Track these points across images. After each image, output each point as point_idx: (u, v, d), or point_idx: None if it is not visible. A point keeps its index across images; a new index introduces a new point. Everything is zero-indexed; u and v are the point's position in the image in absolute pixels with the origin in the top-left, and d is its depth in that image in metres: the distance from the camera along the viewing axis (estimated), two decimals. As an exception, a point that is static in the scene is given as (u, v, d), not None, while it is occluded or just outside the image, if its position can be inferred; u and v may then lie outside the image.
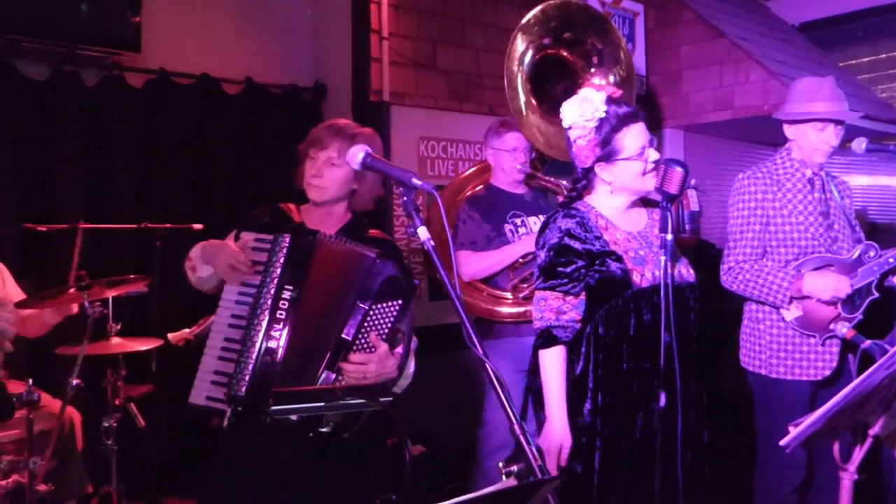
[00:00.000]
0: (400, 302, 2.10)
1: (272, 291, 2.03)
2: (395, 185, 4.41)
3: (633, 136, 2.25)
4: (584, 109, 2.26)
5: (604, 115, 2.24)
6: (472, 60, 4.86)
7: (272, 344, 1.99)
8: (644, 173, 2.26)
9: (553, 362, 2.25)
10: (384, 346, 2.06)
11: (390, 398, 1.43)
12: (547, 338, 2.25)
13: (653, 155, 2.26)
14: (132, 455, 3.50)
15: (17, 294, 3.13)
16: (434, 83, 4.69)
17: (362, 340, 2.06)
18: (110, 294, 3.10)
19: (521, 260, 3.21)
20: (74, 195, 3.80)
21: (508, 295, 3.26)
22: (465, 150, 4.76)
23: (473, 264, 3.22)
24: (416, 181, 1.69)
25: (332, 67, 4.61)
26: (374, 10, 4.38)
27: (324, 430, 1.97)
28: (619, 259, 2.24)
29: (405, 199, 1.71)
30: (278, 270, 2.04)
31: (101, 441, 3.24)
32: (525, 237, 3.24)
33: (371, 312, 2.07)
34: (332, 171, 2.16)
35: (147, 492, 3.68)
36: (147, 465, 3.70)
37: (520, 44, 3.32)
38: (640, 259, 2.27)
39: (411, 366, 2.20)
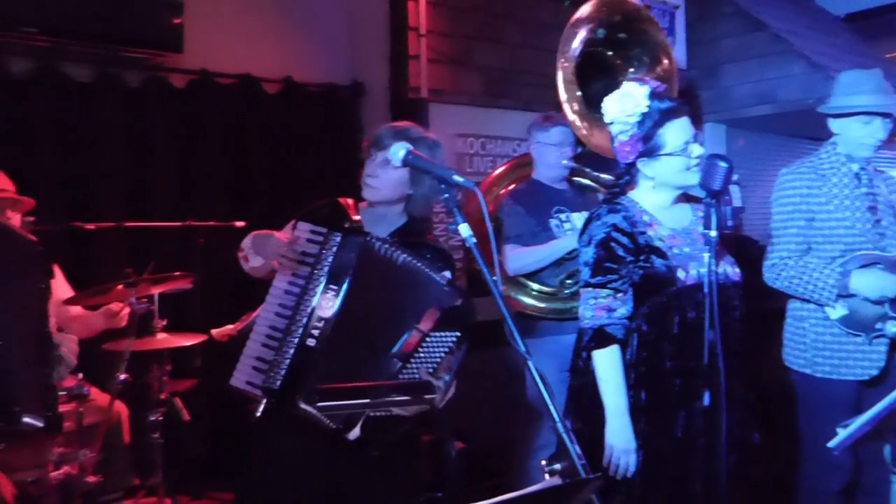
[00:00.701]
0: (456, 336, 2.07)
1: (317, 289, 2.04)
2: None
3: (677, 131, 2.22)
4: (625, 104, 2.24)
5: (646, 109, 2.21)
6: (508, 56, 4.85)
7: (311, 342, 2.00)
8: (688, 169, 2.22)
9: (611, 362, 2.20)
10: (426, 379, 2.02)
11: (435, 396, 1.44)
12: (601, 337, 2.21)
13: (696, 150, 2.22)
14: (176, 448, 3.57)
15: (65, 291, 3.21)
16: (471, 80, 4.69)
17: (413, 369, 2.01)
18: (155, 291, 3.17)
19: (566, 255, 3.19)
20: (119, 194, 3.87)
21: (554, 291, 3.25)
22: (504, 146, 4.75)
23: (519, 259, 3.20)
24: (457, 178, 1.69)
25: (370, 66, 4.63)
26: (411, 8, 4.39)
27: (352, 436, 1.96)
28: (663, 255, 2.21)
29: (447, 195, 1.70)
30: (326, 269, 2.05)
31: (147, 434, 3.30)
32: (571, 233, 3.22)
33: (428, 340, 2.03)
34: (388, 172, 2.14)
35: (190, 484, 3.75)
36: (191, 458, 3.77)
37: (573, 38, 3.30)
38: (684, 256, 2.23)
39: (451, 391, 2.11)
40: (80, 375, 2.81)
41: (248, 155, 4.31)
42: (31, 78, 3.66)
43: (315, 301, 2.03)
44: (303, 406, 1.95)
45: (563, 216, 3.28)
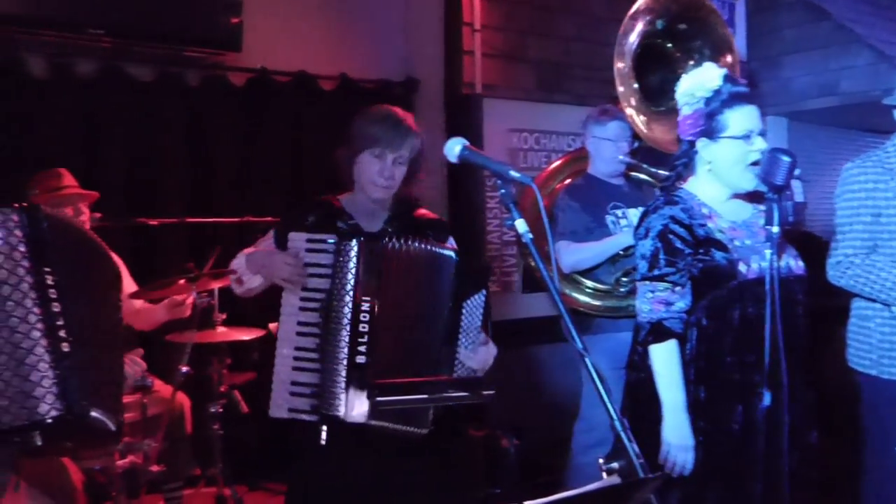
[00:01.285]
0: (484, 291, 2.07)
1: (349, 304, 1.96)
2: (488, 178, 4.43)
3: (742, 117, 2.16)
4: (699, 79, 2.20)
5: (717, 87, 2.17)
6: (562, 50, 4.82)
7: (360, 359, 1.94)
8: (747, 162, 2.16)
9: (668, 357, 2.16)
10: (483, 336, 2.06)
11: (493, 391, 1.44)
12: (659, 331, 2.16)
13: (759, 143, 2.16)
14: (235, 440, 3.65)
15: (129, 286, 3.30)
16: (524, 74, 4.67)
17: (464, 339, 2.04)
18: (215, 285, 3.24)
19: (621, 252, 3.15)
20: (181, 190, 3.97)
21: (609, 289, 3.21)
22: (558, 141, 4.72)
23: (573, 255, 3.16)
24: (513, 173, 1.68)
25: (424, 61, 4.65)
26: (465, 3, 4.39)
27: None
28: (723, 248, 2.16)
29: (503, 191, 1.68)
30: (350, 282, 1.96)
31: (207, 426, 3.38)
32: (627, 229, 3.17)
33: (465, 311, 2.05)
34: (400, 169, 2.12)
35: (249, 475, 3.83)
36: (249, 449, 3.85)
37: (631, 31, 3.25)
38: (745, 249, 2.18)
39: (494, 350, 2.15)
40: (144, 367, 2.90)
41: (305, 151, 4.37)
42: (96, 78, 3.78)
43: (350, 316, 1.95)
44: (374, 423, 1.93)
45: (619, 212, 3.23)
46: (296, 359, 1.97)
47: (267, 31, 4.21)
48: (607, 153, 3.26)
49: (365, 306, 1.96)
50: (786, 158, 2.07)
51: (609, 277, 3.19)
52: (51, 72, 3.67)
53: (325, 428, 1.95)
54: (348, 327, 1.95)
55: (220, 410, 3.36)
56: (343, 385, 1.93)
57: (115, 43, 3.74)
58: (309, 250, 2.01)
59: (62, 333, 1.57)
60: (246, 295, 2.17)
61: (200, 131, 4.05)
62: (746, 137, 2.16)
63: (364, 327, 1.95)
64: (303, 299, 2.00)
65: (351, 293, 1.96)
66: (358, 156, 2.12)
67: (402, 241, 2.03)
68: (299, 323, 1.99)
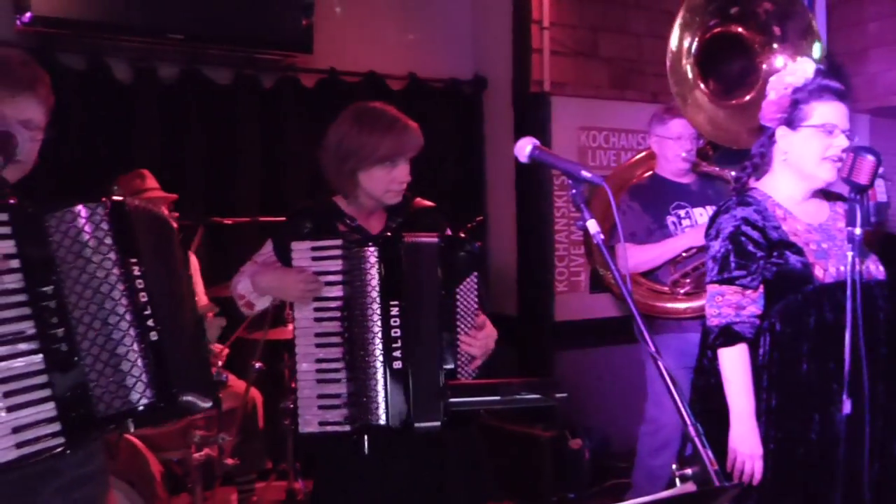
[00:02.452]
0: (476, 273, 2.05)
1: (377, 310, 1.94)
2: (556, 177, 4.40)
3: (828, 111, 2.08)
4: (791, 69, 2.15)
5: (808, 78, 2.11)
6: (633, 47, 4.74)
7: (397, 365, 1.93)
8: (824, 155, 2.08)
9: (736, 362, 2.10)
10: (482, 318, 2.03)
11: (565, 394, 1.42)
12: (728, 335, 2.10)
13: (841, 140, 2.08)
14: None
15: (199, 289, 3.42)
16: (595, 71, 4.61)
17: (462, 324, 2.02)
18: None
19: (683, 254, 3.09)
20: (253, 191, 4.07)
21: (667, 290, 3.15)
22: (628, 139, 4.65)
23: (632, 257, 3.12)
24: (584, 173, 1.66)
25: (492, 60, 4.64)
26: (534, 1, 4.37)
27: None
28: (799, 252, 2.09)
29: (574, 191, 1.66)
30: (374, 287, 1.95)
31: (279, 421, 3.45)
32: (689, 230, 3.11)
33: (460, 296, 2.02)
34: (408, 178, 2.08)
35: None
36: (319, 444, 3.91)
37: (680, 27, 3.18)
38: (822, 252, 2.10)
39: (494, 333, 2.11)
40: (220, 363, 2.98)
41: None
42: (176, 81, 3.91)
43: (381, 322, 1.94)
44: (420, 426, 1.92)
45: (682, 213, 3.17)
46: (319, 371, 1.95)
47: (337, 32, 4.27)
48: (670, 152, 3.20)
49: (394, 311, 1.94)
50: (870, 157, 1.99)
51: (667, 278, 3.14)
52: (134, 76, 3.81)
53: (366, 438, 1.94)
54: (380, 333, 1.93)
55: (291, 406, 3.42)
56: (384, 393, 1.91)
57: (194, 47, 3.86)
58: (315, 258, 1.98)
59: (150, 322, 1.62)
60: (253, 314, 2.16)
61: (274, 132, 4.15)
62: (829, 131, 2.08)
63: (396, 332, 1.94)
64: (317, 310, 1.97)
65: (378, 299, 1.93)
66: (368, 170, 2.05)
67: (411, 240, 2.01)
68: (317, 335, 1.96)
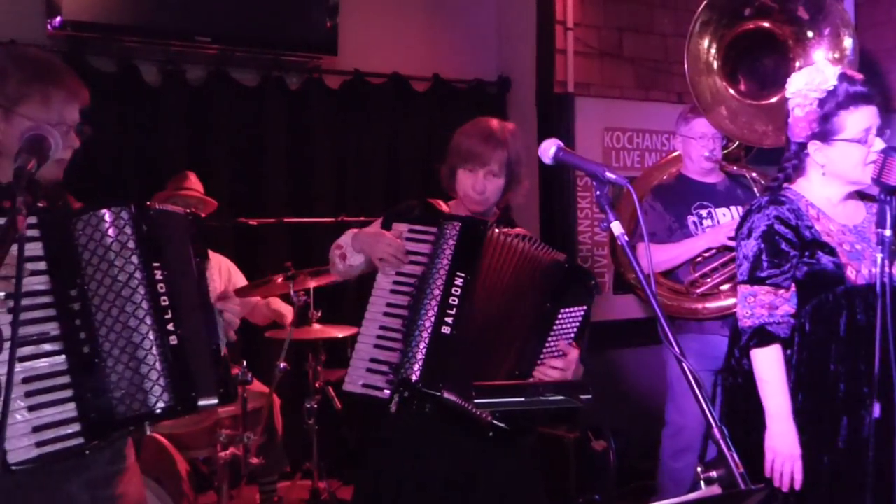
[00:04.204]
0: (585, 307, 2.06)
1: (443, 277, 2.00)
2: (579, 178, 4.38)
3: (860, 118, 2.04)
4: (811, 78, 2.09)
5: (832, 87, 2.06)
6: (659, 47, 4.70)
7: (445, 330, 1.96)
8: (865, 163, 2.04)
9: (772, 362, 2.07)
10: (575, 353, 2.04)
11: (591, 396, 1.42)
12: (762, 336, 2.08)
13: (878, 143, 2.04)
14: (330, 435, 3.73)
15: (240, 280, 3.46)
16: (620, 72, 4.58)
17: (552, 345, 2.04)
18: (312, 284, 3.32)
19: (704, 254, 3.07)
20: (280, 191, 4.11)
21: (684, 290, 3.14)
22: (652, 140, 4.62)
23: (652, 257, 3.11)
24: (609, 175, 1.65)
25: (516, 60, 4.64)
26: (558, 2, 4.35)
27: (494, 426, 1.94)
28: (831, 252, 2.06)
29: (598, 192, 1.66)
30: (447, 258, 2.01)
31: (304, 421, 3.48)
32: (709, 230, 3.09)
33: (561, 317, 2.04)
34: (494, 181, 2.14)
35: (342, 470, 3.91)
36: (343, 444, 3.94)
37: (702, 25, 3.16)
38: (855, 254, 2.07)
39: (580, 369, 2.12)
40: (244, 362, 3.01)
41: (399, 151, 4.43)
42: (204, 83, 3.95)
43: (442, 288, 1.99)
44: (447, 396, 1.93)
45: (704, 212, 3.15)
46: (379, 337, 2.01)
47: (361, 34, 4.29)
48: (694, 152, 3.19)
49: (458, 281, 1.99)
50: (901, 158, 1.96)
51: (685, 278, 3.12)
52: (162, 79, 3.86)
53: (396, 397, 1.96)
54: (438, 298, 1.98)
55: (315, 406, 3.45)
56: (423, 352, 1.95)
57: (221, 49, 3.90)
58: (409, 239, 2.07)
59: (170, 327, 1.64)
60: (345, 274, 2.23)
61: (300, 134, 4.18)
62: (864, 140, 2.04)
63: (454, 300, 1.98)
64: (395, 283, 2.05)
65: (447, 267, 2.00)
66: (455, 172, 2.17)
67: (508, 234, 2.06)
68: (388, 305, 2.03)
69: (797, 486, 2.04)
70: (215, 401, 1.73)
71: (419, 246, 2.07)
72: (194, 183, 3.45)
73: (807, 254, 2.08)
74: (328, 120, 4.22)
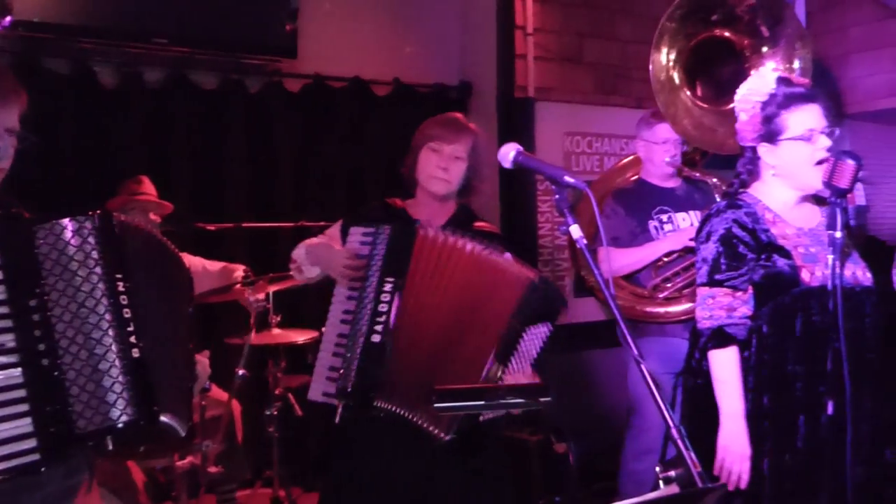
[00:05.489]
0: (550, 326, 2.07)
1: (374, 284, 2.01)
2: (540, 182, 4.41)
3: (802, 118, 2.09)
4: (753, 84, 2.17)
5: (772, 90, 2.13)
6: (618, 52, 4.76)
7: (375, 338, 1.97)
8: (813, 162, 2.09)
9: (728, 364, 2.12)
10: (529, 371, 2.03)
11: (550, 398, 1.43)
12: (720, 337, 2.12)
13: (823, 141, 2.09)
14: (291, 442, 3.69)
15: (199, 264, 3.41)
16: (580, 77, 4.63)
17: (515, 363, 2.01)
18: (272, 289, 3.29)
19: (664, 258, 3.11)
20: (240, 195, 4.06)
21: (647, 294, 3.17)
22: (612, 144, 4.67)
23: (614, 261, 3.14)
24: (568, 178, 1.66)
25: (478, 65, 4.65)
26: (518, 7, 4.39)
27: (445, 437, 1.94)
28: (787, 255, 2.11)
29: (557, 196, 1.67)
30: (378, 263, 2.03)
31: (264, 428, 3.44)
32: (670, 234, 3.13)
33: (526, 336, 2.03)
34: (458, 164, 2.17)
35: (303, 477, 3.88)
36: (304, 451, 3.90)
37: (664, 33, 3.21)
38: (810, 256, 2.12)
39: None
40: (209, 372, 2.96)
41: (361, 156, 4.41)
42: (163, 86, 3.89)
43: (372, 296, 2.01)
44: (378, 404, 1.94)
45: (664, 217, 3.19)
46: (336, 345, 2.03)
47: (322, 37, 4.27)
48: (656, 156, 3.23)
49: (387, 286, 1.99)
50: (850, 161, 2.01)
51: (647, 282, 3.15)
52: (119, 81, 3.79)
53: (339, 407, 1.98)
54: (370, 305, 1.99)
55: (276, 413, 3.41)
56: (357, 361, 1.96)
57: (180, 51, 3.84)
58: (362, 242, 2.08)
59: (133, 339, 1.60)
60: (305, 282, 2.26)
61: (260, 137, 4.13)
62: (808, 138, 2.09)
63: (384, 307, 1.98)
64: (349, 288, 2.07)
65: (377, 273, 2.01)
66: (418, 154, 2.19)
67: (452, 235, 2.05)
68: (344, 311, 2.05)
69: (742, 485, 2.08)
70: (181, 427, 1.70)
71: (367, 248, 2.08)
72: (148, 187, 3.39)
73: (763, 257, 2.12)
74: (288, 123, 4.19)
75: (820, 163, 2.09)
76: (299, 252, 2.22)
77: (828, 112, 2.13)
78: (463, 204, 2.28)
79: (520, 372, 2.01)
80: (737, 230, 2.13)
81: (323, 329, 2.10)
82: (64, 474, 1.64)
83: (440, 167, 2.16)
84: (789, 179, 2.17)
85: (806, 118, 2.10)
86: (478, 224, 2.28)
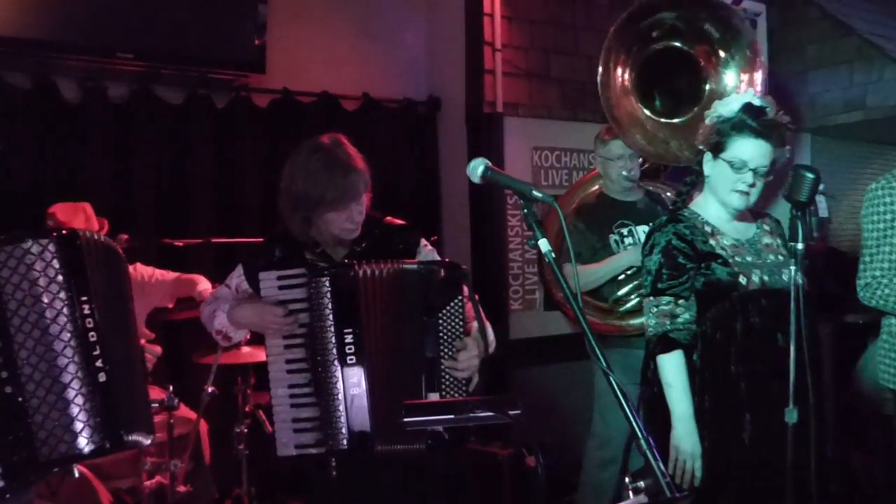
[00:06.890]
0: (460, 297, 2.07)
1: (332, 338, 2.01)
2: (509, 196, 4.43)
3: (743, 148, 2.21)
4: (730, 98, 2.28)
5: (736, 111, 2.22)
6: (585, 68, 4.81)
7: (355, 391, 2.00)
8: (731, 189, 2.23)
9: (675, 367, 2.23)
10: (469, 340, 2.06)
11: (519, 411, 1.44)
12: (665, 342, 2.24)
13: (747, 178, 2.20)
14: (261, 460, 3.65)
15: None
16: (547, 92, 4.68)
17: (446, 349, 2.05)
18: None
19: (626, 272, 3.15)
20: (206, 211, 4.02)
21: (609, 307, 3.21)
22: (579, 158, 4.72)
23: (576, 277, 3.17)
24: (536, 193, 1.68)
25: (446, 81, 4.68)
26: (487, 23, 4.42)
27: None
28: (725, 263, 2.23)
29: (525, 210, 1.69)
30: (329, 319, 2.01)
31: (233, 446, 3.40)
32: (630, 248, 3.17)
33: (442, 321, 2.05)
34: (362, 205, 2.12)
35: (274, 495, 3.83)
36: (274, 469, 3.86)
37: (609, 50, 3.26)
38: (746, 264, 2.25)
39: (490, 332, 2.16)
40: (171, 388, 2.92)
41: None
42: (128, 101, 3.85)
43: (335, 350, 2.00)
44: (381, 448, 1.98)
45: (625, 231, 3.23)
46: (292, 396, 2.02)
47: (291, 52, 4.26)
48: (612, 172, 3.27)
49: (348, 338, 2.00)
50: (809, 175, 2.08)
51: (610, 296, 3.19)
52: (83, 96, 3.74)
53: (333, 461, 1.99)
54: (336, 360, 2.00)
55: (245, 431, 3.37)
56: (344, 419, 1.98)
57: (144, 66, 3.80)
58: (282, 287, 2.04)
59: (99, 363, 1.58)
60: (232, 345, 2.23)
61: (227, 153, 4.10)
62: (738, 168, 2.20)
63: (352, 359, 2.00)
64: (286, 337, 2.04)
65: (332, 327, 2.00)
66: (321, 216, 2.09)
67: (370, 266, 2.05)
68: (287, 361, 2.03)
69: (695, 483, 2.18)
70: (146, 439, 1.68)
71: (294, 292, 2.03)
72: (92, 222, 3.21)
73: (703, 265, 2.25)
74: (256, 139, 4.17)
75: (744, 193, 2.21)
76: (221, 322, 2.17)
77: (778, 150, 2.22)
78: (367, 219, 2.22)
79: (454, 350, 2.04)
80: (676, 242, 2.26)
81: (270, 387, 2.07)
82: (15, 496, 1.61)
83: (351, 222, 2.10)
84: (714, 193, 2.30)
85: (746, 150, 2.20)
86: (387, 221, 2.27)
